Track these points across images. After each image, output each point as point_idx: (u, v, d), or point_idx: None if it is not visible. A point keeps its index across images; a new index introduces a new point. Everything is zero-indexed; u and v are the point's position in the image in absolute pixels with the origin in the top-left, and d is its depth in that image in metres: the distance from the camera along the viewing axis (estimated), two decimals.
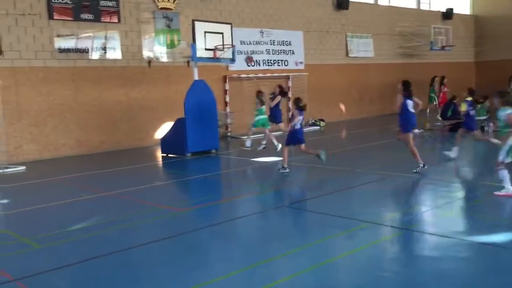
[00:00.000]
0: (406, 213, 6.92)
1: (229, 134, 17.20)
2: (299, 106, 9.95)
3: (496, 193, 7.47)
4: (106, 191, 9.07)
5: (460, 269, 4.83)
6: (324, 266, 5.03)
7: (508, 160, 7.52)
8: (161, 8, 15.50)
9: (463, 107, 11.33)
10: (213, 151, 13.16)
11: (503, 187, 7.46)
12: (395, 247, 5.67)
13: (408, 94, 9.51)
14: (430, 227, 6.30)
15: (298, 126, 9.97)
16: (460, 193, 8.26)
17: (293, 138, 10.01)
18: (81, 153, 13.97)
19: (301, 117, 9.95)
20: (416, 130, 15.83)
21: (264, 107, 13.28)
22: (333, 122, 20.67)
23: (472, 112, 11.22)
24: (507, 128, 7.64)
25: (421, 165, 9.45)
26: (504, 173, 7.45)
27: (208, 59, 12.89)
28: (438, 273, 4.69)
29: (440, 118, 17.23)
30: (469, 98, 11.42)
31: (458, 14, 27.57)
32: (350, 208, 7.42)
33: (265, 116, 13.20)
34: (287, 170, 10.04)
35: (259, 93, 13.41)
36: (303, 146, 10.11)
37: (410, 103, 9.49)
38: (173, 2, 15.69)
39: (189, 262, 5.32)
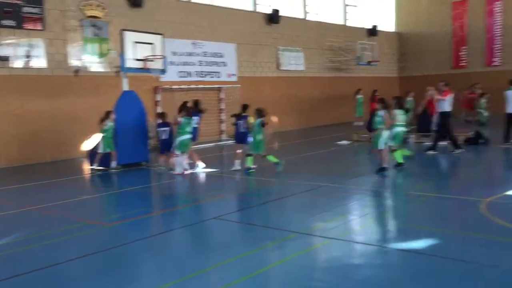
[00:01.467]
0: (334, 222, 7.11)
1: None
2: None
3: None
4: (29, 205, 8.61)
5: (382, 275, 5.02)
6: (254, 277, 5.05)
7: (385, 147, 10.51)
8: (89, 17, 15.07)
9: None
10: (144, 163, 12.88)
11: None
12: (323, 256, 5.80)
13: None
14: (355, 235, 6.51)
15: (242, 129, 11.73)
16: (385, 202, 8.61)
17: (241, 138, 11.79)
18: (0, 166, 13.19)
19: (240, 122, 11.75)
20: (345, 142, 16.45)
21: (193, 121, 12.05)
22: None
23: None
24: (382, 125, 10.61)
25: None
26: None
27: (138, 69, 12.66)
28: (363, 280, 4.85)
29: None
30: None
31: (382, 31, 28.98)
32: (280, 219, 7.51)
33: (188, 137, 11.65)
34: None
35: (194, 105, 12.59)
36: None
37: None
38: (102, 10, 15.30)
39: (118, 277, 5.16)
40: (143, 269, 5.51)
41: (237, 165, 11.66)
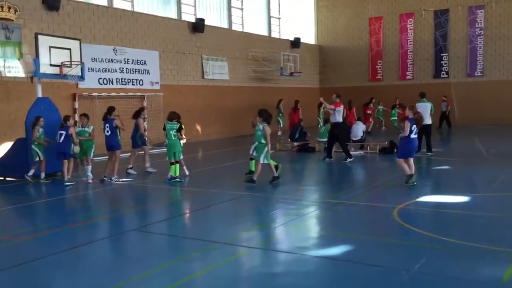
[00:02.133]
0: (255, 231, 7.15)
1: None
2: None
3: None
4: None
5: (300, 283, 5.09)
6: None
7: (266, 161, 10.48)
8: (1, 19, 14.16)
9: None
10: (59, 173, 12.26)
11: None
12: (244, 265, 5.80)
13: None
14: (276, 244, 6.59)
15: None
16: (304, 210, 8.78)
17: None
18: None
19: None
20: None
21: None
22: (189, 143, 20.69)
23: None
24: (262, 139, 10.54)
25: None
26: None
27: (54, 75, 12.07)
28: None
29: (289, 140, 18.30)
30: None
31: (304, 43, 29.86)
32: (202, 229, 7.44)
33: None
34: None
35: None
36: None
37: None
38: (15, 13, 14.45)
39: None
40: (55, 286, 5.20)
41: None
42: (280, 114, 22.87)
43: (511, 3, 26.56)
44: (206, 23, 22.07)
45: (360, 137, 16.50)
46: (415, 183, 10.06)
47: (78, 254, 6.31)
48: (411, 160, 10.26)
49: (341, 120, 14.25)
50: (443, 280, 5.00)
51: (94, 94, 16.94)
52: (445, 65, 28.28)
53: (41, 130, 11.50)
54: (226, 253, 6.17)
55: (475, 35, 27.44)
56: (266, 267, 5.62)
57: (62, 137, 11.17)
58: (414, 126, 10.15)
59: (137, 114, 12.95)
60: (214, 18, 23.67)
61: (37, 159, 11.50)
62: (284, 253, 6.08)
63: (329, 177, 12.35)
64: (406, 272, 5.18)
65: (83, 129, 11.76)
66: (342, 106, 14.28)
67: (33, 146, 11.42)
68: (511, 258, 5.59)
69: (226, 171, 13.13)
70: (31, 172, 11.55)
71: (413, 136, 10.19)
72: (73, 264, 5.92)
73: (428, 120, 15.20)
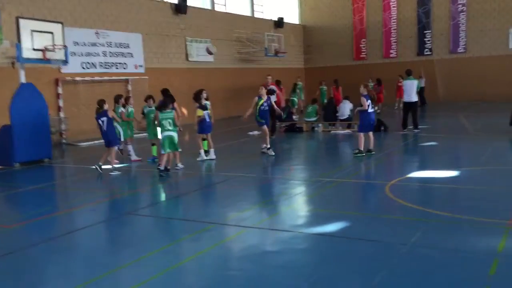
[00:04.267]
0: (249, 211, 7.16)
1: (64, 141, 16.00)
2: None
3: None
4: None
5: (299, 260, 5.14)
6: (172, 271, 4.94)
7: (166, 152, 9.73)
8: None
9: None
10: (46, 160, 12.11)
11: None
12: (240, 245, 5.81)
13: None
14: (271, 223, 6.61)
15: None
16: (297, 189, 8.82)
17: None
18: None
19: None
20: (256, 132, 16.61)
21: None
22: None
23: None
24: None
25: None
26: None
27: (37, 60, 11.81)
28: (280, 266, 4.93)
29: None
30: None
31: (288, 24, 29.65)
32: (196, 211, 7.43)
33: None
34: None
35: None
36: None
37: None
38: None
39: (19, 283, 4.78)
40: (49, 272, 5.17)
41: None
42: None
43: None
44: (188, 4, 21.75)
45: (347, 116, 16.55)
46: (364, 154, 11.07)
47: (71, 240, 6.28)
48: (371, 133, 11.28)
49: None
50: (440, 252, 5.08)
51: (77, 78, 16.66)
52: (429, 42, 28.39)
53: (122, 109, 11.56)
54: (221, 234, 6.18)
55: (457, 11, 27.53)
56: (261, 246, 5.64)
57: (105, 124, 10.36)
58: (369, 101, 11.21)
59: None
60: None
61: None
62: (281, 231, 6.10)
63: (318, 157, 12.40)
64: (403, 246, 5.25)
65: (150, 108, 11.52)
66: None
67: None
68: (503, 229, 5.70)
69: (216, 153, 13.08)
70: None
71: (370, 110, 11.21)
72: (67, 250, 5.88)
73: (414, 98, 15.32)
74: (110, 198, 8.81)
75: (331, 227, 6.13)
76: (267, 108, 12.15)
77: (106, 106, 10.49)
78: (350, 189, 8.46)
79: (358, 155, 11.11)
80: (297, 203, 7.76)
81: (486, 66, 26.66)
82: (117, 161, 10.86)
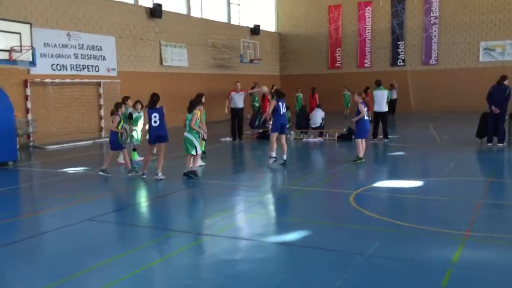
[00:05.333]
0: (214, 218, 7.12)
1: (31, 144, 15.68)
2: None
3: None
4: None
5: (257, 269, 5.12)
6: (131, 278, 4.87)
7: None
8: None
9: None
10: (11, 162, 11.83)
11: None
12: (199, 254, 5.77)
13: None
14: (234, 231, 6.58)
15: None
16: (264, 197, 8.82)
17: None
18: None
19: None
20: (228, 138, 16.59)
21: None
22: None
23: None
24: None
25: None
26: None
27: (3, 61, 11.58)
28: (238, 275, 4.91)
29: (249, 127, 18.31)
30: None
31: (264, 31, 29.79)
32: (159, 218, 7.36)
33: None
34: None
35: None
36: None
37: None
38: None
39: None
40: (9, 278, 5.04)
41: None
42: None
43: None
44: (164, 8, 21.66)
45: (319, 124, 16.67)
46: (363, 160, 11.42)
47: (31, 245, 6.13)
48: (364, 140, 11.58)
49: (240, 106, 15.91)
50: (395, 262, 5.13)
51: (47, 80, 16.38)
52: (402, 53, 28.88)
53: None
54: (184, 241, 6.13)
55: (430, 23, 28.11)
56: (224, 255, 5.60)
57: (157, 119, 9.97)
58: (366, 108, 11.53)
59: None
60: (172, 4, 23.26)
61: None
62: (243, 240, 6.08)
63: (288, 164, 12.42)
64: (360, 255, 5.28)
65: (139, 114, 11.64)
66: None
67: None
68: (459, 240, 5.80)
69: (183, 159, 12.99)
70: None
71: (366, 117, 11.53)
72: (26, 255, 5.73)
73: (384, 108, 15.54)
74: (72, 203, 8.65)
75: (293, 236, 6.14)
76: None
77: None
78: (315, 198, 8.49)
79: (358, 161, 11.31)
80: (261, 211, 7.75)
81: (456, 78, 27.27)
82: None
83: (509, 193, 8.83)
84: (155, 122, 9.90)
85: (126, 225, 7.09)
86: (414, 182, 9.28)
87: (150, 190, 9.47)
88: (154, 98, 10.07)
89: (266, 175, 10.87)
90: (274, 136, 11.33)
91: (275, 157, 11.22)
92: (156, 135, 9.91)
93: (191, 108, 10.06)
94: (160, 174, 9.84)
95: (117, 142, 10.37)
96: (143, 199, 8.97)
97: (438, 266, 4.98)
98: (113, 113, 10.46)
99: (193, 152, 9.87)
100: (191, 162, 10.00)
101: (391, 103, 24.09)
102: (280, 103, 11.22)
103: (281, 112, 11.25)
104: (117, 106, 10.61)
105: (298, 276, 4.90)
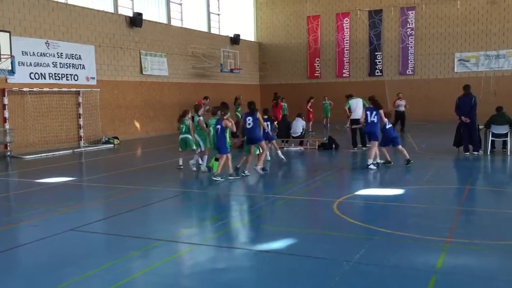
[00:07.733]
0: (198, 228, 7.11)
1: (9, 153, 15.40)
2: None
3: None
4: None
5: (244, 277, 5.13)
6: None
7: None
8: None
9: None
10: None
11: None
12: (188, 262, 5.75)
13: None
14: (219, 240, 6.58)
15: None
16: (247, 205, 8.84)
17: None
18: None
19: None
20: None
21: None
22: (128, 139, 20.26)
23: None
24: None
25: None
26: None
27: None
28: (225, 284, 4.91)
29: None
30: (265, 116, 13.04)
31: (244, 40, 29.96)
32: (143, 227, 7.29)
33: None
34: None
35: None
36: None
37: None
38: None
39: None
40: None
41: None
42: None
43: (440, 5, 27.99)
44: (144, 17, 21.62)
45: (300, 133, 16.79)
46: (392, 163, 12.44)
47: (9, 257, 6.02)
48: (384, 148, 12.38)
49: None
50: (381, 268, 5.21)
51: (25, 89, 16.15)
52: (379, 63, 29.37)
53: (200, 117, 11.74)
54: (169, 250, 6.09)
55: (406, 35, 28.68)
56: (209, 264, 5.60)
57: (251, 122, 11.02)
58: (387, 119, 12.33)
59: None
60: (152, 13, 23.23)
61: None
62: (227, 249, 6.09)
63: (270, 173, 12.48)
64: (346, 263, 5.35)
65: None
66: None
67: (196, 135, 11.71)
68: (442, 247, 5.91)
69: (166, 168, 12.94)
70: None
71: (387, 126, 12.40)
72: (5, 268, 5.63)
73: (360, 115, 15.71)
74: (54, 213, 8.52)
75: (278, 244, 6.17)
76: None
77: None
78: (299, 206, 8.55)
79: (387, 164, 12.29)
80: (246, 220, 7.77)
81: (431, 88, 27.85)
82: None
83: (487, 200, 9.05)
84: (249, 124, 11.00)
85: (109, 235, 7.01)
86: (395, 190, 9.44)
87: (133, 199, 9.38)
88: (252, 106, 11.20)
89: (249, 184, 10.89)
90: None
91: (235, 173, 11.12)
92: (248, 137, 11.13)
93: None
94: (259, 167, 11.17)
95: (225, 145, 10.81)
96: (128, 208, 8.87)
97: (423, 272, 5.08)
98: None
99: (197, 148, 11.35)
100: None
101: (400, 117, 22.41)
102: (250, 117, 11.08)
103: (248, 126, 11.16)
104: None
105: (284, 284, 4.93)
